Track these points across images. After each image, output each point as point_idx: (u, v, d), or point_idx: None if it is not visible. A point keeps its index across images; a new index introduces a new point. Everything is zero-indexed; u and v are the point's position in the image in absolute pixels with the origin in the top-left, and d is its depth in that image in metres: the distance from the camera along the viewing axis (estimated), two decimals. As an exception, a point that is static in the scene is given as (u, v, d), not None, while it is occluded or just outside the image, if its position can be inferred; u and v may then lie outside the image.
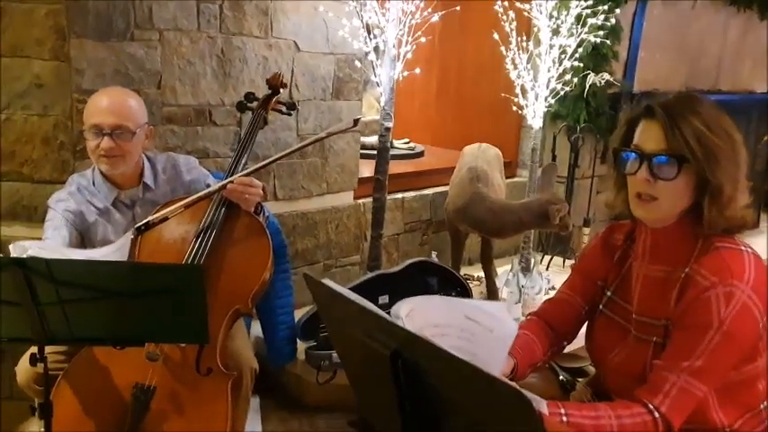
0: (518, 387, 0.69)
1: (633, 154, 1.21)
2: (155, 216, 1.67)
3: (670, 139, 1.16)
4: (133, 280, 1.17)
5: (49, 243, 1.62)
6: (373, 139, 3.15)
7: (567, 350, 1.52)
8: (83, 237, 1.75)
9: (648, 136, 1.20)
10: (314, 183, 2.79)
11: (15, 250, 1.22)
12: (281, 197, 2.68)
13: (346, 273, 2.98)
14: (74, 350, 1.61)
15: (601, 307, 1.39)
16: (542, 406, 0.91)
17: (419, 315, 1.01)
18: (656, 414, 1.12)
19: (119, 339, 1.26)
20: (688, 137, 1.15)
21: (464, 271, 3.05)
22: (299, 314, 2.38)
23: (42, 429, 1.35)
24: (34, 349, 1.30)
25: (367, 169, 3.02)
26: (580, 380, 1.50)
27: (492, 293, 2.81)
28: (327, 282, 1.01)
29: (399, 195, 3.15)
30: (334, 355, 2.25)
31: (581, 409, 1.13)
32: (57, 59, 2.07)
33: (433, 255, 2.90)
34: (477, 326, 1.03)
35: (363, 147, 3.03)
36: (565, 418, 1.08)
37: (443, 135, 4.15)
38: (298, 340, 2.36)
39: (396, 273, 2.51)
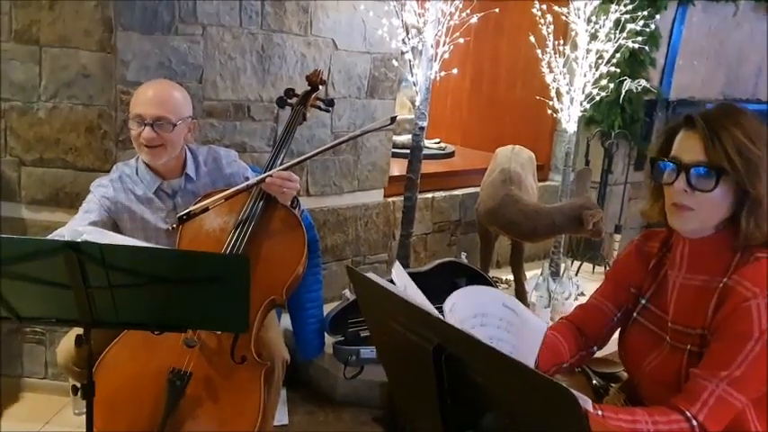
0: (564, 384, 0.70)
1: (671, 164, 1.21)
2: (196, 206, 1.71)
3: (709, 151, 1.16)
4: (181, 267, 1.20)
5: (90, 228, 1.66)
6: (404, 138, 3.16)
7: (600, 355, 1.52)
8: (117, 224, 1.79)
9: (687, 146, 1.20)
10: (345, 180, 2.81)
11: (70, 234, 1.26)
12: (312, 193, 2.71)
13: (374, 270, 2.99)
14: (113, 333, 1.65)
15: (635, 315, 1.38)
16: (588, 404, 0.91)
17: (461, 307, 1.02)
18: (694, 422, 1.12)
19: (162, 324, 1.29)
20: (729, 148, 1.15)
21: (493, 273, 3.04)
22: (327, 309, 2.41)
23: (78, 410, 1.38)
24: (78, 331, 1.34)
25: (396, 168, 3.03)
26: (613, 385, 1.49)
27: (521, 297, 2.80)
28: (371, 275, 1.03)
29: (429, 195, 3.16)
30: (362, 350, 2.27)
31: (618, 412, 1.13)
32: (103, 51, 2.12)
33: (463, 255, 2.90)
34: (515, 315, 1.04)
35: (393, 146, 3.04)
36: None
37: (474, 136, 4.14)
38: (326, 334, 2.39)
39: (425, 272, 2.52)
